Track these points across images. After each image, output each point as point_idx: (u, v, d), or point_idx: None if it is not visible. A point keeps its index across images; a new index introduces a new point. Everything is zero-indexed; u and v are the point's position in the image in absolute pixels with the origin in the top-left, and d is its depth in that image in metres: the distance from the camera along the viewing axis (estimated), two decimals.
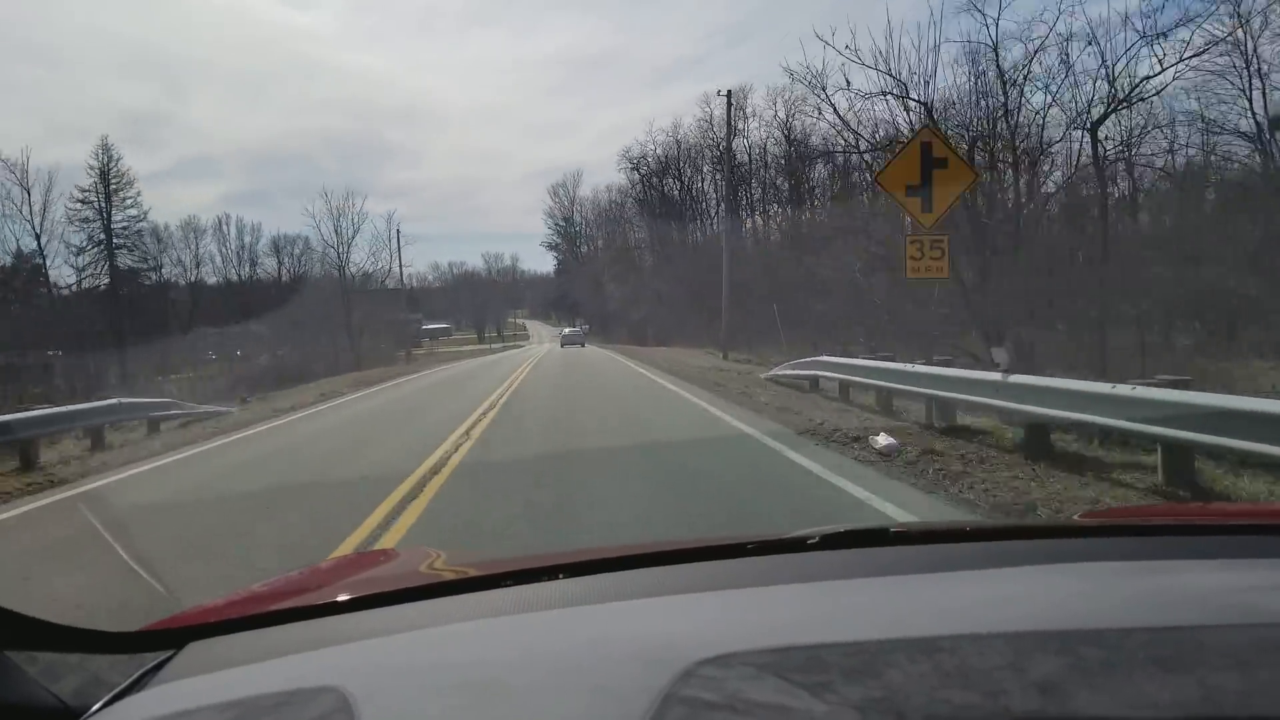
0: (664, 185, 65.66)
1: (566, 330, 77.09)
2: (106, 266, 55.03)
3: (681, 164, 64.34)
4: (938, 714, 0.69)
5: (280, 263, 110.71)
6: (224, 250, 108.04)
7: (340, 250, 64.53)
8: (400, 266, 56.18)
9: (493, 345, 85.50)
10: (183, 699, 0.90)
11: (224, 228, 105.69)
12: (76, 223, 53.94)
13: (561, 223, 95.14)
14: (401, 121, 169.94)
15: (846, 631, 0.88)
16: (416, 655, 0.96)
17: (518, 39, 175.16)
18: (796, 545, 1.31)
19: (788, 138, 53.58)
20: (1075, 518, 2.07)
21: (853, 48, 21.13)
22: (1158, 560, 1.12)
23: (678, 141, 64.73)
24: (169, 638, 1.13)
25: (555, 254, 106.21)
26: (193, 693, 0.92)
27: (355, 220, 63.09)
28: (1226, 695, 0.70)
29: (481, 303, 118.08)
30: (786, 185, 55.40)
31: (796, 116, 52.70)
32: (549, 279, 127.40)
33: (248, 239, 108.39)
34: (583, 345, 61.18)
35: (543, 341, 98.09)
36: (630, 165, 68.28)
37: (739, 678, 0.76)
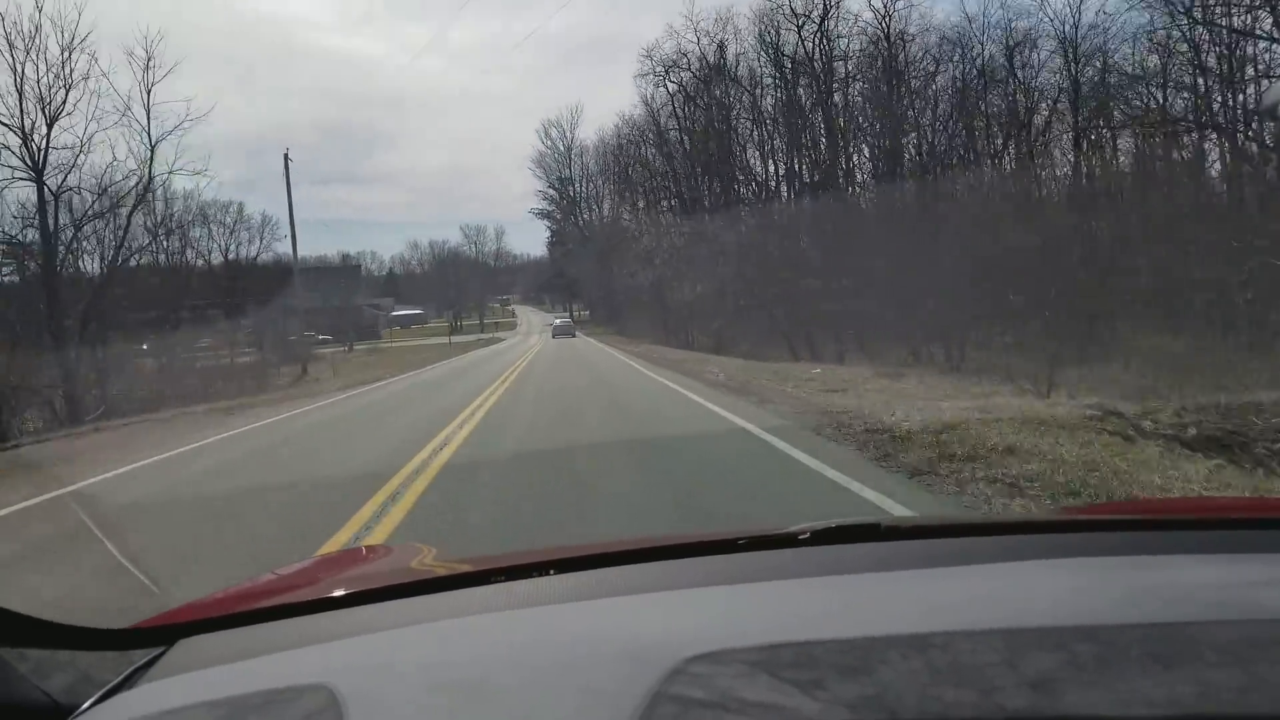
0: (710, 109, 44.09)
1: (557, 321, 69.56)
2: None
3: (735, 75, 43.11)
4: (930, 711, 0.69)
5: (210, 235, 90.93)
6: (150, 222, 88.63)
7: (25, 131, 21.26)
8: (291, 216, 33.46)
9: (452, 340, 61.39)
10: (172, 696, 0.90)
11: (150, 195, 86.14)
12: None
13: (555, 183, 73.40)
14: (393, 107, 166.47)
15: (838, 628, 0.87)
16: (406, 653, 0.95)
17: (508, 24, 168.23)
18: (788, 541, 1.28)
19: None
20: (1067, 513, 2.12)
21: None
22: (1151, 555, 1.11)
23: (721, 45, 43.60)
24: (159, 635, 1.13)
25: (547, 223, 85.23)
26: (182, 690, 0.93)
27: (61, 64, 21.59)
28: (1222, 692, 0.69)
29: (458, 284, 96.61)
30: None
31: None
32: (543, 262, 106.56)
33: (178, 208, 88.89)
34: (572, 336, 54.02)
35: (531, 332, 77.20)
36: (657, 76, 46.55)
37: (730, 675, 0.75)
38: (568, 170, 72.31)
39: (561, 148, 72.55)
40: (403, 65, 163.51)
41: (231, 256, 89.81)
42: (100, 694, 0.96)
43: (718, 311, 32.53)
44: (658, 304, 42.49)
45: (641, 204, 48.41)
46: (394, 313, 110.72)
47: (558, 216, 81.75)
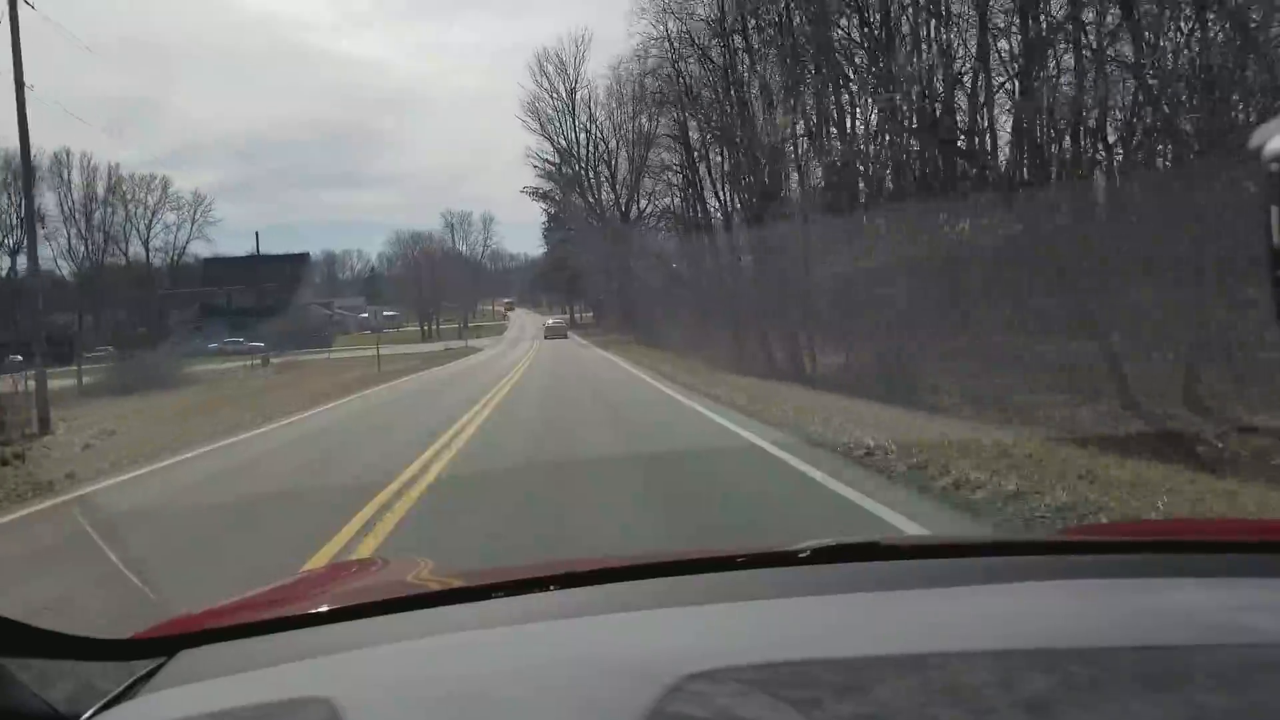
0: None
1: (550, 321, 66.13)
2: None
3: None
4: None
5: (128, 218, 73.92)
6: (65, 203, 72.20)
7: None
8: (20, 90, 16.28)
9: (384, 354, 34.91)
10: (173, 707, 0.91)
11: (63, 171, 69.89)
12: None
13: (553, 139, 56.26)
14: (392, 109, 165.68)
15: (836, 647, 0.88)
16: (406, 667, 0.96)
17: (507, 21, 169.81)
18: (787, 559, 1.28)
19: None
20: (1065, 533, 2.16)
21: None
22: (1148, 578, 1.12)
23: None
24: (161, 645, 1.13)
25: (543, 206, 68.73)
26: (183, 701, 0.93)
27: None
28: (1214, 715, 0.70)
29: (434, 281, 79.68)
30: None
31: None
32: (541, 260, 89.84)
33: (102, 188, 72.20)
34: (564, 336, 54.05)
35: (520, 339, 60.69)
36: None
37: (727, 693, 0.76)
38: (569, 122, 54.91)
39: (563, 91, 54.93)
40: (401, 67, 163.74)
41: (156, 245, 74.59)
42: (101, 704, 0.96)
43: (858, 310, 16.11)
44: (714, 303, 26.13)
45: (699, 134, 30.26)
46: (364, 314, 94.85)
47: (556, 196, 65.37)
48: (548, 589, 1.23)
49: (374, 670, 0.96)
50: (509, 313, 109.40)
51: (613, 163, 53.45)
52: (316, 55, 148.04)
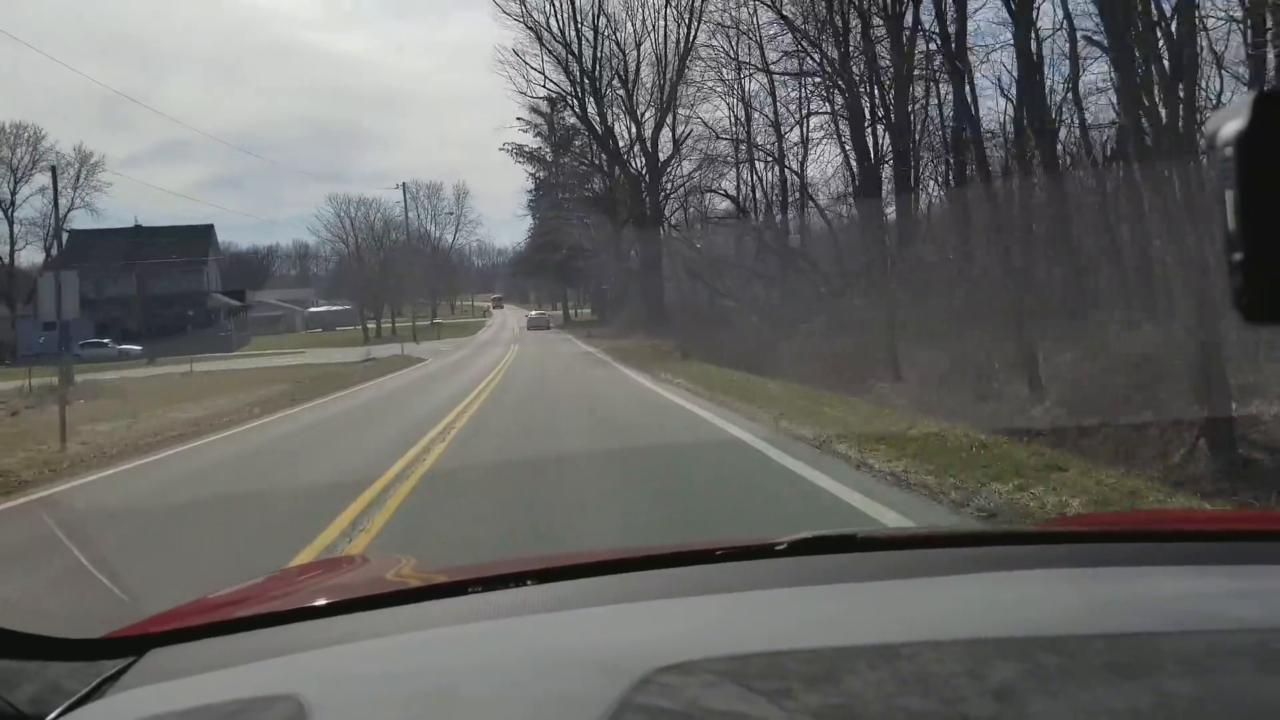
0: None
1: (533, 313, 63.02)
2: None
3: None
4: None
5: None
6: None
7: None
8: None
9: (259, 366, 12.12)
10: (140, 707, 0.90)
11: None
12: None
13: (543, 38, 39.16)
14: (383, 106, 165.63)
15: (810, 638, 0.89)
16: (377, 663, 0.96)
17: (499, 17, 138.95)
18: (765, 551, 1.29)
19: None
20: (1042, 525, 2.12)
21: None
22: (1119, 567, 1.12)
23: None
24: (130, 645, 1.12)
25: (530, 169, 52.30)
26: (151, 700, 0.93)
27: None
28: (1181, 702, 0.71)
29: (386, 266, 62.71)
30: None
31: None
32: (533, 244, 72.90)
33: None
34: (547, 327, 51.06)
35: (495, 341, 43.95)
36: None
37: (698, 685, 0.76)
38: (565, 11, 38.14)
39: None
40: (393, 64, 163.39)
41: (28, 217, 57.77)
42: (67, 704, 0.95)
43: None
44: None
45: None
46: (313, 309, 78.63)
47: (546, 156, 49.09)
48: (525, 584, 1.23)
49: (345, 667, 0.95)
50: (494, 309, 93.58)
51: (631, 80, 36.89)
52: (308, 51, 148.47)
